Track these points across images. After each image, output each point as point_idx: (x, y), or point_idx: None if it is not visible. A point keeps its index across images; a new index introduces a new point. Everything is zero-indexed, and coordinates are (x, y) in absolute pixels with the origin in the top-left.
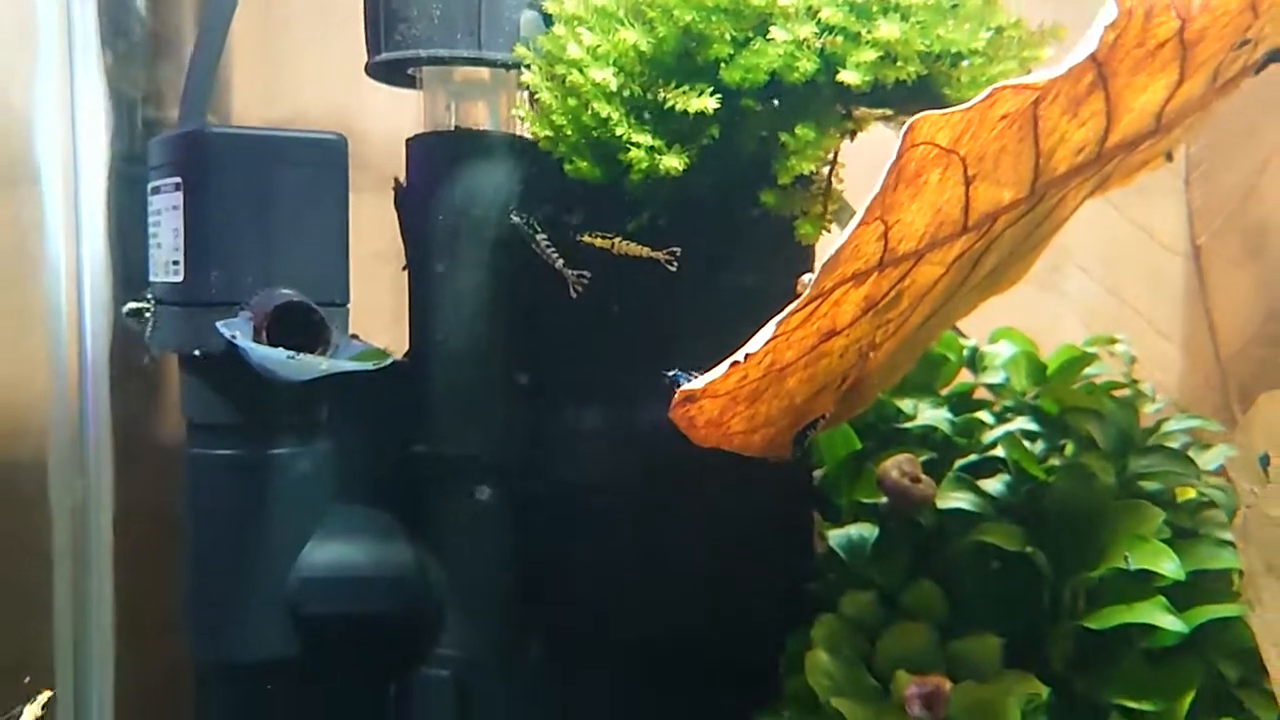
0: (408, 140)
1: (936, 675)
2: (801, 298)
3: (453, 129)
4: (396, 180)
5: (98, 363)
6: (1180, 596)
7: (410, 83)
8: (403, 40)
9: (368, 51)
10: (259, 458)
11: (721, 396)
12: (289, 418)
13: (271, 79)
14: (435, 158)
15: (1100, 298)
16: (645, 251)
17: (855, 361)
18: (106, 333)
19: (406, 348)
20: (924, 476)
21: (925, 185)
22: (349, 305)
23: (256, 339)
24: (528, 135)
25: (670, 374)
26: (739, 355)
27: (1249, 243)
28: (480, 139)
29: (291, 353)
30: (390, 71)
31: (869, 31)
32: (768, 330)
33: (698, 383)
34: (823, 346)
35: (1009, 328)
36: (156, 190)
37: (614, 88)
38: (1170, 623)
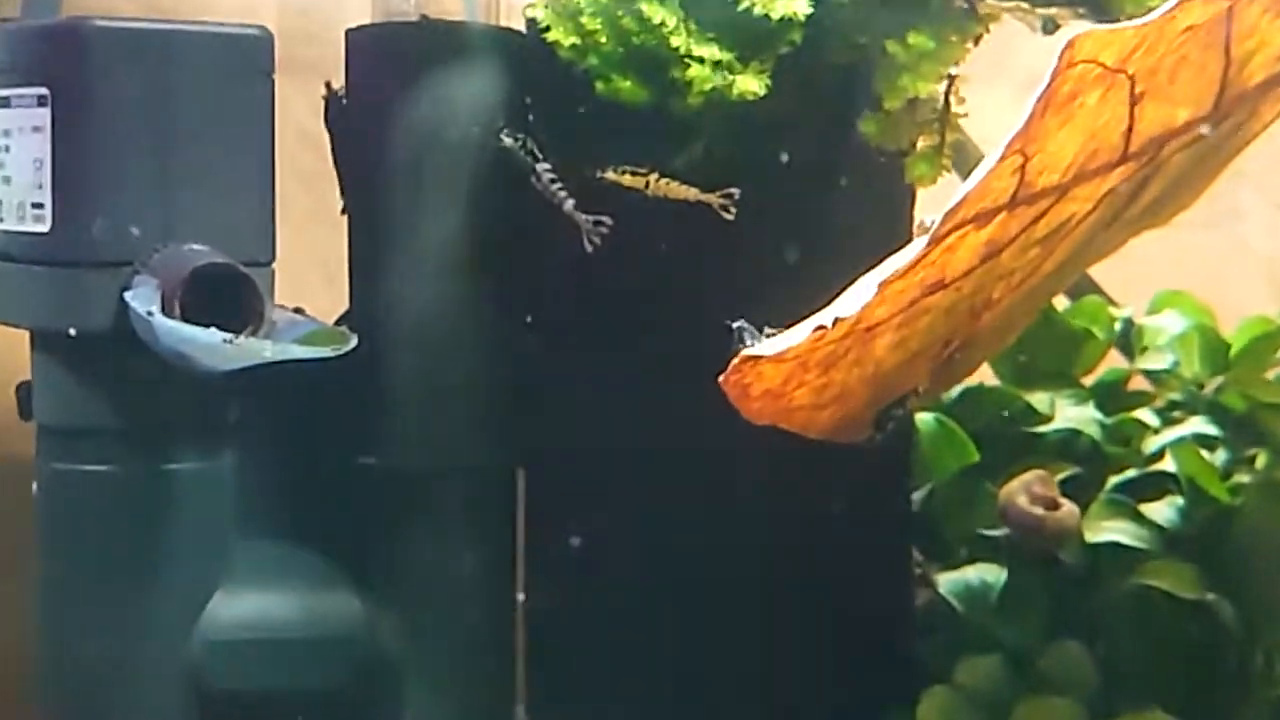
0: (349, 32)
1: None
2: (914, 250)
3: (416, 18)
4: (328, 87)
5: None
6: None
7: None
8: None
9: None
10: (146, 475)
11: (789, 361)
12: (188, 419)
13: None
14: (390, 57)
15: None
16: (693, 194)
17: (963, 321)
18: None
19: (345, 319)
20: (1064, 500)
21: (1080, 109)
22: (273, 265)
23: (167, 313)
24: (527, 32)
25: (735, 324)
26: (825, 317)
27: None
28: (459, 32)
29: (225, 336)
30: None
31: None
32: (867, 289)
33: (768, 346)
34: (925, 302)
35: (1176, 291)
36: (3, 103)
37: None
38: None
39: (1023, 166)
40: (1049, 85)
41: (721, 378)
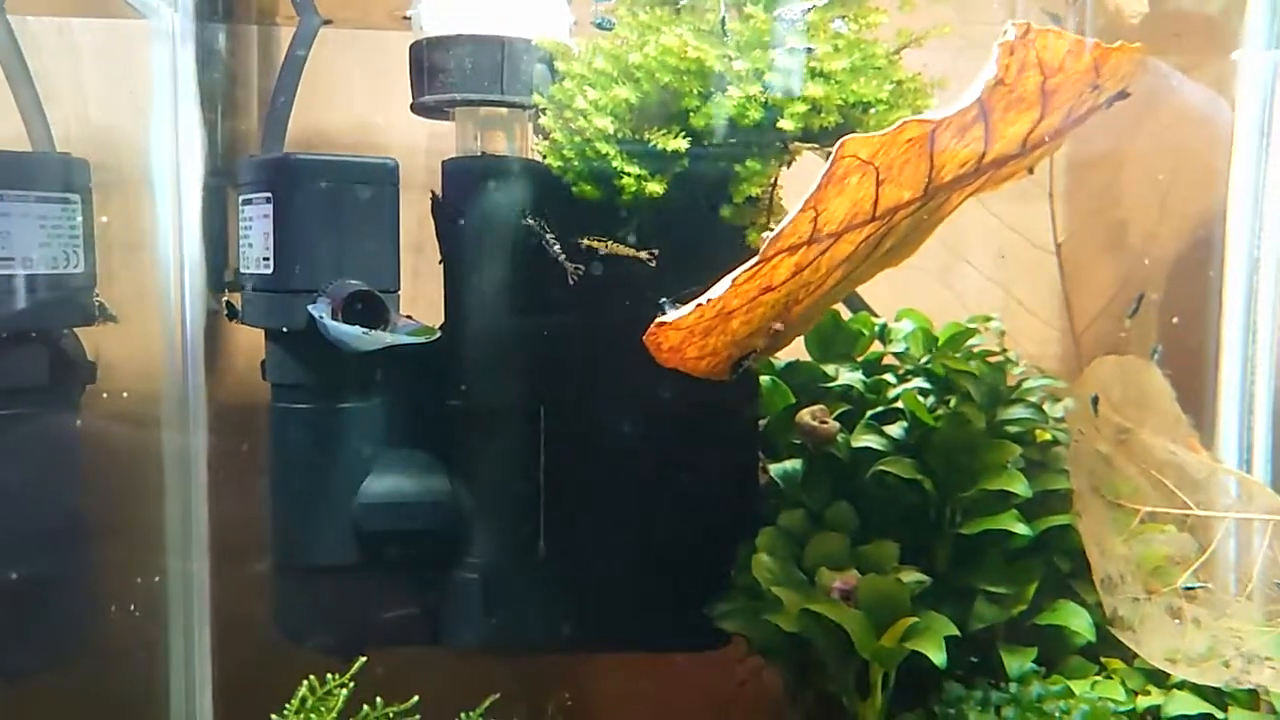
0: (444, 162)
1: (850, 572)
2: (751, 261)
3: (479, 154)
4: (433, 193)
5: (195, 338)
6: (1030, 510)
7: (444, 116)
8: (442, 86)
9: (412, 93)
10: (330, 411)
11: (683, 330)
12: (352, 379)
13: (318, 109)
14: (466, 176)
15: (984, 286)
16: (631, 251)
17: (781, 312)
18: (202, 314)
19: (441, 323)
20: (829, 420)
21: (847, 185)
22: (399, 292)
23: (334, 318)
24: (539, 160)
25: (662, 301)
26: (703, 299)
27: (1108, 239)
28: (502, 162)
29: (364, 330)
30: (429, 109)
31: (803, 89)
32: (725, 283)
33: (669, 316)
34: (760, 298)
35: (911, 309)
36: (249, 201)
37: (611, 131)
38: (1021, 529)
39: (815, 218)
40: (830, 168)
41: (645, 337)
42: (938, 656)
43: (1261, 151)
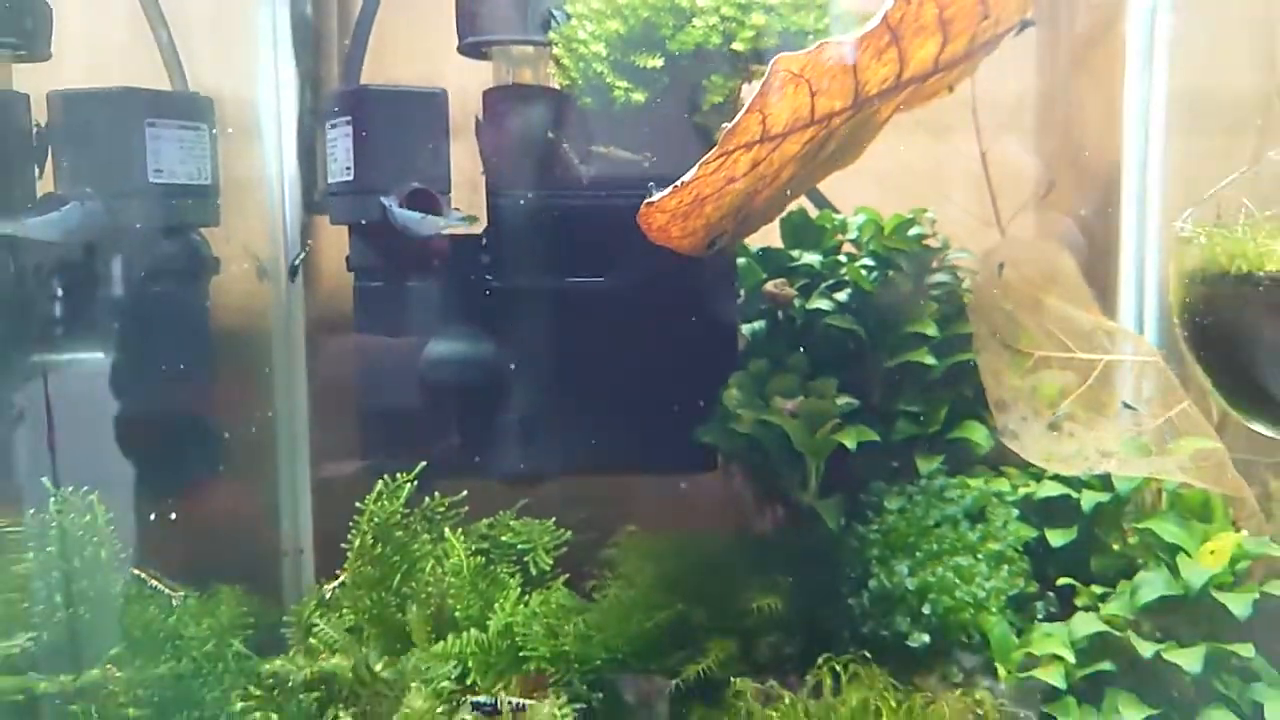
0: (484, 92)
1: (798, 398)
2: (713, 150)
3: (511, 84)
4: (477, 118)
5: (292, 233)
6: (944, 350)
7: (482, 55)
8: (481, 29)
9: (458, 36)
10: (400, 290)
11: (667, 212)
12: (416, 261)
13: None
14: (502, 103)
15: (926, 192)
16: (627, 155)
17: (745, 201)
18: (298, 217)
19: (485, 226)
20: (788, 288)
21: (785, 93)
22: (450, 193)
23: (400, 207)
24: (556, 86)
25: (650, 185)
26: (678, 183)
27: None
28: (529, 90)
29: (422, 215)
30: (472, 49)
31: (748, 19)
32: (694, 169)
33: (655, 197)
34: (727, 188)
35: (864, 205)
36: (334, 125)
37: (604, 55)
38: (930, 360)
39: (764, 120)
40: (768, 78)
41: (638, 217)
42: (851, 444)
43: (1145, 73)
